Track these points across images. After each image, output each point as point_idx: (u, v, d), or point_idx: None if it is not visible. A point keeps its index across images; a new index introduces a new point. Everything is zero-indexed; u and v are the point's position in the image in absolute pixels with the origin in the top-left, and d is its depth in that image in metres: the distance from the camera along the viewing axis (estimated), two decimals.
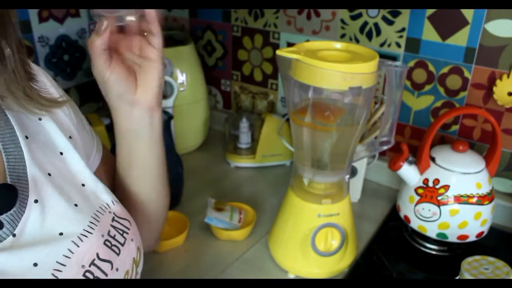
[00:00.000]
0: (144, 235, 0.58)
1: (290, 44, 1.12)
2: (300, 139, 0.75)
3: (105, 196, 0.50)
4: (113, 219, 0.49)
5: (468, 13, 0.86)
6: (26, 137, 0.45)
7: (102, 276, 0.44)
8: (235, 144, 1.16)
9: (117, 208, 0.51)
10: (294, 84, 0.69)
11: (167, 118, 0.92)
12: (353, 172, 0.98)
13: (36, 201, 0.42)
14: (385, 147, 0.77)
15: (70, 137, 0.50)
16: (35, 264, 0.39)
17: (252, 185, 1.08)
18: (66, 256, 0.42)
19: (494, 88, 0.87)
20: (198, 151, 1.22)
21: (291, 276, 0.79)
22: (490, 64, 0.87)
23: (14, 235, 0.40)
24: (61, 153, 0.48)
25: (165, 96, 1.08)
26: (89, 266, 0.43)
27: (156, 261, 0.82)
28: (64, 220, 0.43)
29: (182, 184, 0.98)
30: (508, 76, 0.85)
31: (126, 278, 0.48)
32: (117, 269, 0.46)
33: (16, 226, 0.40)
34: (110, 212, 0.49)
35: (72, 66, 1.18)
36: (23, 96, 0.42)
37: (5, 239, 0.39)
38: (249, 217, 0.91)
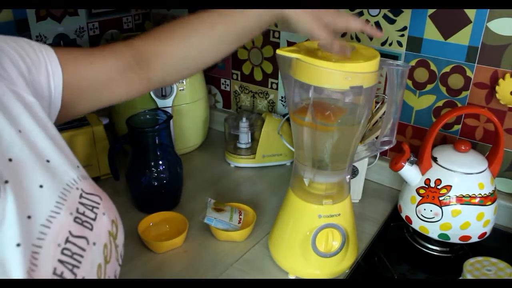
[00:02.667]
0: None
1: (290, 43, 1.11)
2: (300, 139, 0.74)
3: (71, 172, 0.49)
4: (80, 196, 0.49)
5: (471, 12, 0.85)
6: None
7: (80, 252, 0.44)
8: (235, 144, 1.15)
9: (84, 184, 0.50)
10: (294, 84, 0.68)
11: (166, 118, 0.91)
12: (354, 172, 0.97)
13: (6, 181, 0.42)
14: (386, 147, 0.77)
15: (26, 103, 0.49)
16: (18, 245, 0.39)
17: (252, 185, 1.07)
18: (40, 238, 0.42)
19: (497, 88, 0.86)
20: (198, 151, 1.21)
21: (292, 277, 0.78)
22: (493, 63, 0.86)
23: None
24: (20, 131, 0.46)
25: (164, 96, 1.08)
26: (65, 243, 0.43)
27: (155, 262, 0.81)
28: (30, 203, 0.43)
29: (181, 185, 0.98)
30: (511, 75, 0.84)
31: (105, 251, 0.48)
32: (94, 243, 0.47)
33: None
34: (77, 188, 0.49)
35: None
36: None
37: None
38: (249, 218, 0.90)
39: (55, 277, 0.41)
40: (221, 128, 1.30)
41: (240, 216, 0.89)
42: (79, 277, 0.43)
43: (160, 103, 1.08)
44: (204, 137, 1.23)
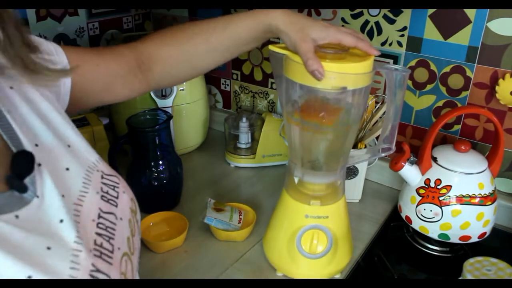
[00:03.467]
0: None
1: None
2: (291, 137, 0.74)
3: (90, 155, 0.53)
4: (102, 177, 0.52)
5: (471, 12, 0.85)
6: (9, 111, 0.46)
7: (112, 226, 0.48)
8: (235, 144, 1.15)
9: (102, 166, 0.54)
10: (284, 82, 0.68)
11: (166, 118, 0.91)
12: (354, 172, 0.97)
13: (39, 164, 0.44)
14: (383, 154, 0.75)
15: (45, 94, 0.52)
16: (61, 220, 0.42)
17: (252, 185, 1.07)
18: (76, 215, 0.45)
19: (497, 88, 0.86)
20: (198, 151, 1.21)
21: (279, 274, 0.79)
22: (493, 63, 0.86)
23: (37, 197, 0.42)
24: (42, 119, 0.49)
25: (164, 96, 1.08)
26: (98, 218, 0.47)
27: (155, 262, 0.81)
28: (61, 184, 0.46)
29: (181, 185, 0.98)
30: (511, 75, 0.84)
31: (130, 225, 0.52)
32: (121, 219, 0.50)
33: (36, 188, 0.42)
34: (98, 170, 0.52)
35: None
36: (25, 69, 0.43)
37: (31, 201, 0.42)
38: (249, 218, 0.90)
39: (98, 247, 0.44)
40: (221, 128, 1.30)
41: (240, 216, 0.89)
42: (115, 247, 0.46)
43: (160, 103, 1.08)
44: (204, 137, 1.23)
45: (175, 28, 0.71)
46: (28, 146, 0.45)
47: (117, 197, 0.52)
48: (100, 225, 0.46)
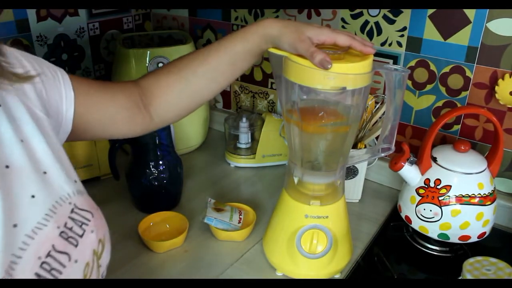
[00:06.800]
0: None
1: None
2: (291, 137, 0.74)
3: (67, 186, 0.50)
4: (72, 211, 0.49)
5: (470, 12, 0.85)
6: None
7: (60, 268, 0.44)
8: (235, 144, 1.16)
9: (78, 199, 0.51)
10: (283, 82, 0.68)
11: None
12: (354, 172, 0.97)
13: None
14: (383, 154, 0.76)
15: (36, 117, 0.50)
16: None
17: (252, 185, 1.07)
18: (22, 249, 0.41)
19: (496, 88, 0.86)
20: (198, 151, 1.21)
21: (279, 274, 0.79)
22: (492, 64, 0.87)
23: None
24: (22, 141, 0.47)
25: None
26: (46, 257, 0.43)
27: (155, 262, 0.81)
28: (19, 212, 0.43)
29: (181, 185, 0.98)
30: (510, 76, 0.84)
31: (86, 270, 0.48)
32: (75, 261, 0.46)
33: None
34: (70, 203, 0.49)
35: (71, 65, 1.17)
36: None
37: None
38: (249, 218, 0.90)
39: None
40: (221, 128, 1.30)
41: (240, 216, 0.89)
42: None
43: None
44: (204, 137, 1.23)
45: (174, 60, 0.71)
46: None
47: (81, 236, 0.48)
48: (45, 265, 0.43)
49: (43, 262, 0.43)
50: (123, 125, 0.67)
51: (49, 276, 0.43)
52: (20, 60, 0.52)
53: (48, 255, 0.43)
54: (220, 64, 0.68)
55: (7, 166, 0.44)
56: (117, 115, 0.66)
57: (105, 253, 0.53)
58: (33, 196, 0.45)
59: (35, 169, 0.47)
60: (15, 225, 0.42)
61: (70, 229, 0.47)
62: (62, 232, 0.46)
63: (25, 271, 0.41)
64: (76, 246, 0.47)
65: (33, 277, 0.41)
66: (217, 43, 0.68)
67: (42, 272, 0.42)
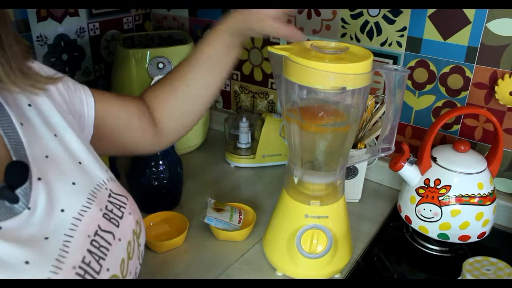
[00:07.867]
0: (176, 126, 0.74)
1: (290, 43, 1.11)
2: (290, 137, 0.74)
3: (101, 174, 0.54)
4: (109, 195, 0.53)
5: (470, 12, 0.85)
6: (21, 124, 0.48)
7: (107, 246, 0.48)
8: (235, 144, 1.16)
9: (112, 185, 0.55)
10: (283, 82, 0.68)
11: None
12: (354, 172, 0.97)
13: (39, 178, 0.45)
14: (383, 154, 0.76)
15: (64, 115, 0.54)
16: (46, 238, 0.42)
17: (252, 185, 1.07)
18: (72, 229, 0.45)
19: (496, 88, 0.86)
20: (198, 151, 1.21)
21: (279, 274, 0.79)
22: (492, 64, 0.87)
23: (29, 208, 0.43)
24: (55, 135, 0.51)
25: None
26: (94, 236, 0.47)
27: (156, 262, 0.82)
28: (64, 198, 0.47)
29: (181, 185, 0.98)
30: (510, 76, 0.84)
31: (129, 248, 0.52)
32: (119, 239, 0.50)
33: (29, 200, 0.43)
34: (106, 188, 0.53)
35: (71, 66, 1.17)
36: (21, 75, 0.44)
37: (21, 212, 0.42)
38: (249, 218, 0.90)
39: (83, 265, 0.44)
40: (221, 128, 1.30)
41: (240, 216, 0.89)
42: (104, 268, 0.46)
43: None
44: (204, 137, 1.23)
45: (169, 71, 0.74)
46: (37, 156, 0.46)
47: (121, 217, 0.52)
48: (94, 243, 0.46)
49: (92, 240, 0.46)
50: (136, 131, 0.70)
51: (98, 253, 0.46)
52: (42, 68, 0.55)
53: (96, 234, 0.47)
54: (206, 63, 0.69)
55: (46, 156, 0.48)
56: (130, 123, 0.69)
57: (142, 233, 0.57)
58: (74, 183, 0.49)
59: (71, 159, 0.51)
60: (62, 210, 0.45)
61: (111, 211, 0.51)
62: (104, 214, 0.50)
63: (78, 248, 0.44)
64: (117, 226, 0.51)
65: (86, 253, 0.45)
66: (193, 52, 0.70)
67: (93, 249, 0.46)
